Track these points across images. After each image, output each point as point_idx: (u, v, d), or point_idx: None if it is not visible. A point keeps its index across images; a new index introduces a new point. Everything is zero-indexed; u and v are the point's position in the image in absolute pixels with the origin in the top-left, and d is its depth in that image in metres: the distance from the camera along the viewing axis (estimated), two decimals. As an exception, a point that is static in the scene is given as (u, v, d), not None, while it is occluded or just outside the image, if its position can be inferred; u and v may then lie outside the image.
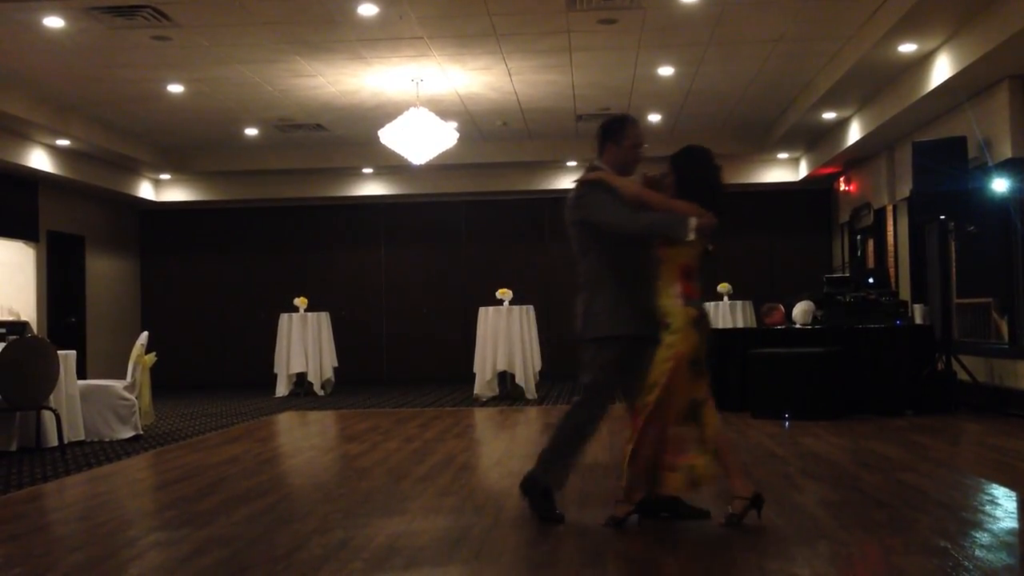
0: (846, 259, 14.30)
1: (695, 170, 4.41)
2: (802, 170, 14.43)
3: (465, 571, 3.80)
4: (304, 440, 8.60)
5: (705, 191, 4.35)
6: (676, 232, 4.24)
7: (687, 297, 4.30)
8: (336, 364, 13.21)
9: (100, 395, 8.32)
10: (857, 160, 12.95)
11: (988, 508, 4.76)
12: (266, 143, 13.63)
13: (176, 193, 15.37)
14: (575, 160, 14.30)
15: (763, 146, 13.66)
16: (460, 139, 11.13)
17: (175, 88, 10.48)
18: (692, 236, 4.20)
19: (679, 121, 12.43)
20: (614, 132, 4.60)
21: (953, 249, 10.30)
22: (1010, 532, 4.28)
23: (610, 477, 5.76)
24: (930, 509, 4.71)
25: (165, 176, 14.93)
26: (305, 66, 9.77)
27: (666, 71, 10.21)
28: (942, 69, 8.72)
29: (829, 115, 11.59)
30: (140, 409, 8.52)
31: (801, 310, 9.36)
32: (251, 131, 12.84)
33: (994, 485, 5.37)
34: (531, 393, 11.40)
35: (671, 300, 4.31)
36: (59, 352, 7.75)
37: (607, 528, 4.32)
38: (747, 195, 14.90)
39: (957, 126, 9.50)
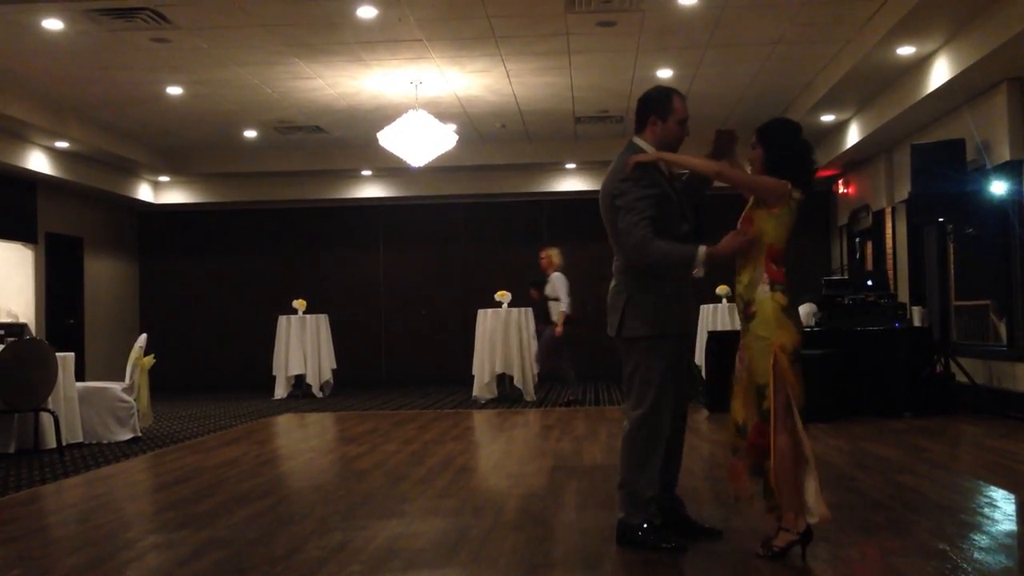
0: (845, 261, 14.31)
1: (784, 145, 3.98)
2: (801, 172, 14.41)
3: (464, 573, 3.80)
4: (303, 442, 8.59)
5: (794, 167, 3.94)
6: (686, 269, 3.91)
7: (774, 282, 3.87)
8: (335, 366, 13.20)
9: (99, 397, 8.31)
10: (856, 162, 12.96)
11: (987, 510, 4.77)
12: (265, 145, 13.63)
13: (175, 195, 15.35)
14: (574, 162, 14.31)
15: (762, 148, 13.64)
16: (459, 141, 11.13)
17: (174, 90, 10.48)
18: (701, 272, 3.85)
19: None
20: (659, 105, 4.08)
21: (951, 251, 10.31)
22: (1009, 535, 4.28)
23: (610, 479, 5.76)
24: (929, 511, 4.71)
25: (164, 178, 14.92)
26: (304, 68, 9.77)
27: (665, 73, 10.21)
28: (940, 72, 8.73)
29: (828, 117, 11.59)
30: (139, 411, 8.51)
31: (803, 312, 9.37)
32: (250, 133, 12.84)
33: (993, 487, 5.37)
34: (530, 395, 11.40)
35: (755, 287, 3.88)
36: (58, 354, 7.74)
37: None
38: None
39: (955, 128, 9.51)
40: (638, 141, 4.13)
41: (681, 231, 4.09)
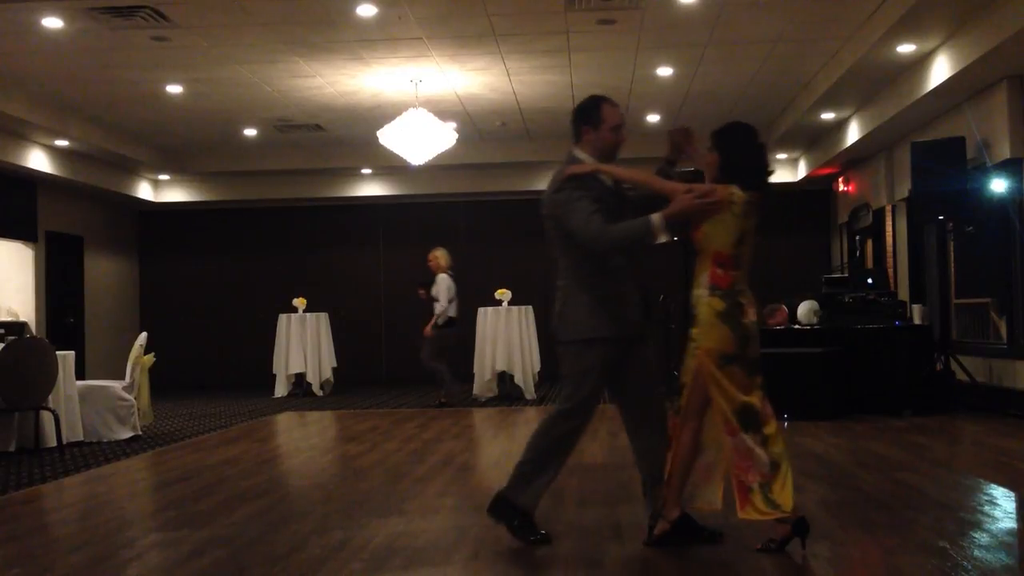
0: (845, 259, 14.31)
1: (738, 149, 3.99)
2: (801, 170, 14.43)
3: (463, 571, 3.80)
4: (303, 440, 8.59)
5: (747, 171, 3.95)
6: (644, 239, 3.93)
7: (714, 287, 3.89)
8: (335, 364, 13.21)
9: (99, 396, 8.31)
10: (856, 160, 12.96)
11: (987, 508, 4.77)
12: (265, 143, 13.62)
13: (175, 193, 15.35)
14: (574, 160, 14.29)
15: (762, 146, 13.64)
16: (459, 140, 11.13)
17: (174, 88, 10.48)
18: (662, 238, 3.87)
19: (678, 122, 12.42)
20: (590, 114, 4.20)
21: (952, 249, 10.31)
22: (1009, 532, 4.28)
23: (610, 478, 5.76)
24: (929, 509, 4.71)
25: (164, 176, 14.92)
26: (304, 66, 9.77)
27: (665, 71, 10.21)
28: (940, 69, 8.72)
29: (828, 115, 11.59)
30: (139, 410, 8.52)
31: (805, 310, 9.37)
32: (250, 131, 12.84)
33: (993, 485, 5.37)
34: (530, 393, 11.41)
35: (698, 290, 3.95)
36: (58, 353, 7.75)
37: (648, 545, 4.01)
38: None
39: (956, 126, 9.51)
40: (577, 152, 4.22)
41: None
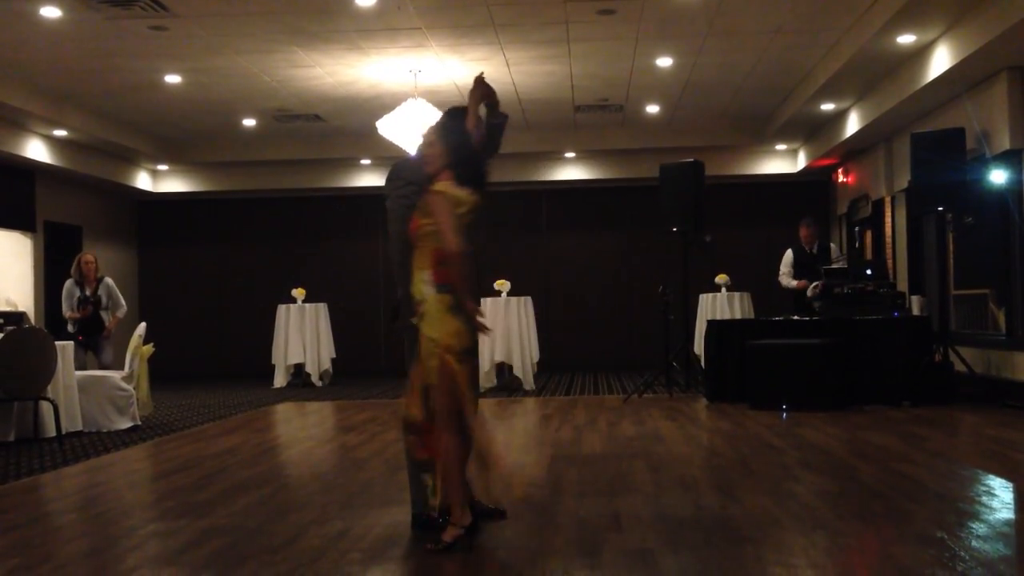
0: (844, 250, 14.30)
1: (462, 149, 4.32)
2: (800, 161, 14.42)
3: (463, 561, 3.80)
4: (302, 431, 8.60)
5: (476, 175, 4.35)
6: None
7: (440, 285, 3.95)
8: (334, 355, 13.21)
9: (98, 386, 8.32)
10: (855, 151, 12.95)
11: (985, 499, 4.78)
12: (264, 134, 13.60)
13: (174, 184, 15.34)
14: (573, 151, 14.29)
15: (761, 137, 13.64)
16: (458, 130, 11.08)
17: (172, 78, 10.45)
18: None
19: (677, 112, 12.42)
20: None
21: (951, 240, 10.31)
22: (1006, 523, 4.29)
23: (609, 468, 5.78)
24: (927, 500, 4.72)
25: (163, 167, 14.90)
26: (303, 56, 9.75)
27: (664, 62, 10.20)
28: (940, 60, 8.71)
29: (827, 106, 11.58)
30: (138, 400, 8.52)
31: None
32: (249, 121, 12.82)
33: (991, 476, 5.38)
34: (529, 384, 11.42)
35: (423, 287, 3.96)
36: (57, 343, 7.75)
37: (432, 551, 3.86)
38: (745, 186, 14.90)
39: (955, 118, 9.50)
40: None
41: None
